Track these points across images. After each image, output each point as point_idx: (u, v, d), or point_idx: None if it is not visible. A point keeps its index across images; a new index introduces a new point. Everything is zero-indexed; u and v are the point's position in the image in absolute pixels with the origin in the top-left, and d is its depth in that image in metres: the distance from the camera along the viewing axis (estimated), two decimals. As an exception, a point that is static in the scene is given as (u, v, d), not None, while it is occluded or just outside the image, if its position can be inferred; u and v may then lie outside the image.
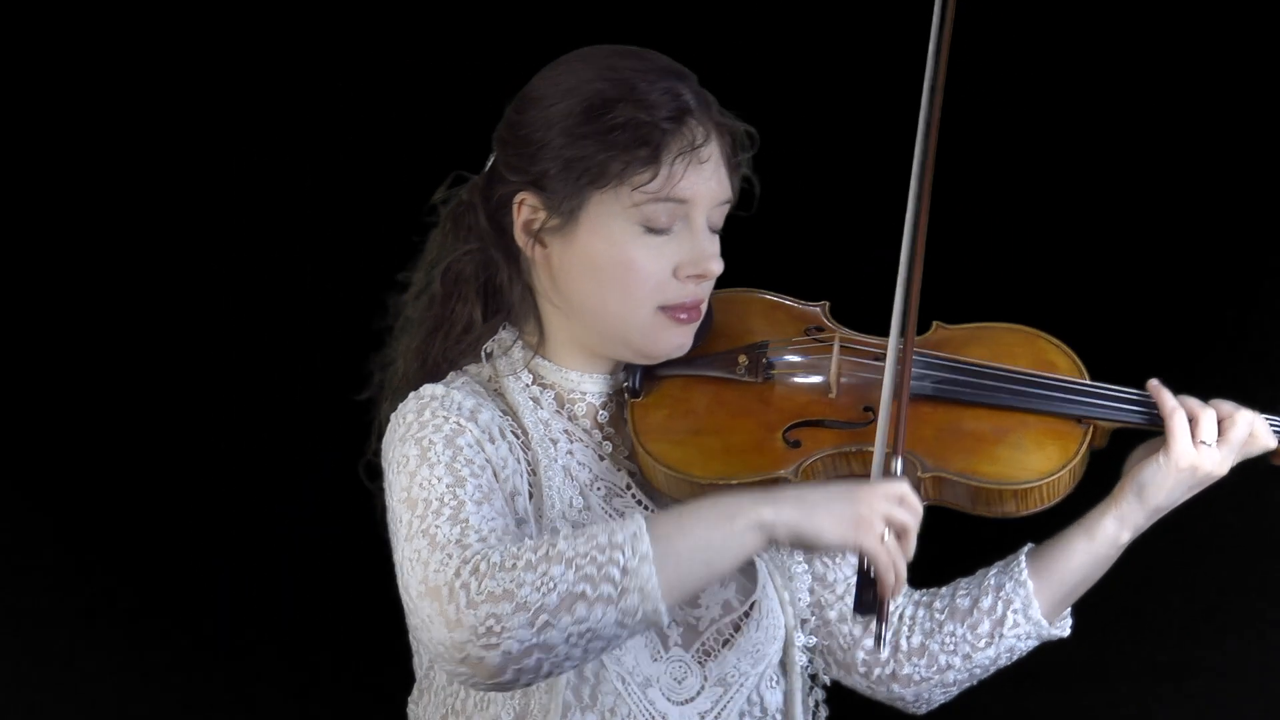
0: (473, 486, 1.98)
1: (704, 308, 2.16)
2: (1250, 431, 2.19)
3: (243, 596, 3.37)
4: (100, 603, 3.37)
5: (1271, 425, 2.21)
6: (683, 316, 2.13)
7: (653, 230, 2.10)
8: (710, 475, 2.13)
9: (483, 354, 2.18)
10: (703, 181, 2.10)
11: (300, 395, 3.29)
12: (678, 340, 2.15)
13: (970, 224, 3.34)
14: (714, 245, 2.13)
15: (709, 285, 2.15)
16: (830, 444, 2.15)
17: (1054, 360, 2.25)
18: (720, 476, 2.13)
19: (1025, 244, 3.41)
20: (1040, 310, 3.24)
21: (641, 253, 2.10)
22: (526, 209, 2.13)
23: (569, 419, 2.18)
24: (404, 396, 2.11)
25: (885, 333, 2.14)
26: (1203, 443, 2.17)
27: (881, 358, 2.15)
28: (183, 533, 3.38)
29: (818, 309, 2.29)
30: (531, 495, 2.08)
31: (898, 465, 2.06)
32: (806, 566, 2.27)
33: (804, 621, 2.24)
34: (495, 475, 2.03)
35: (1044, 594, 2.25)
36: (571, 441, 2.17)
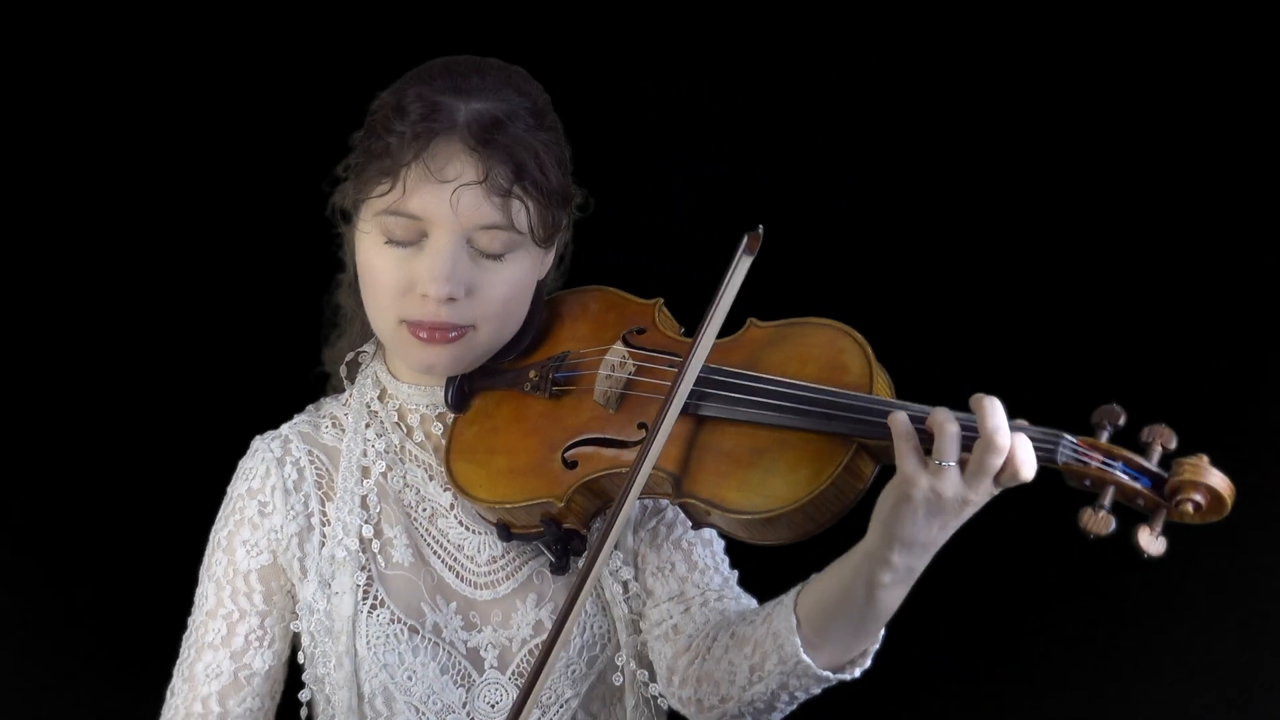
0: (220, 619, 2.17)
1: (456, 333, 2.11)
2: (1000, 448, 1.83)
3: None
4: (73, 597, 3.35)
5: (1041, 444, 1.86)
6: (422, 335, 2.11)
7: (393, 242, 2.10)
8: (491, 498, 2.12)
9: (342, 370, 2.26)
10: (441, 202, 2.07)
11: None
12: (425, 359, 2.13)
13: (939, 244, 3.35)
14: (449, 268, 2.08)
15: (461, 309, 2.10)
16: (606, 464, 2.07)
17: (847, 363, 2.01)
18: (499, 500, 2.11)
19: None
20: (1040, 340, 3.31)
21: (379, 262, 2.11)
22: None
23: (406, 433, 2.22)
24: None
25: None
26: (938, 463, 1.85)
27: (674, 368, 2.07)
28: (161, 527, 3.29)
29: (652, 305, 2.20)
30: (324, 541, 2.17)
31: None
32: (637, 587, 2.20)
33: (639, 639, 2.18)
34: (266, 569, 2.17)
35: (809, 630, 1.98)
36: (404, 462, 2.21)
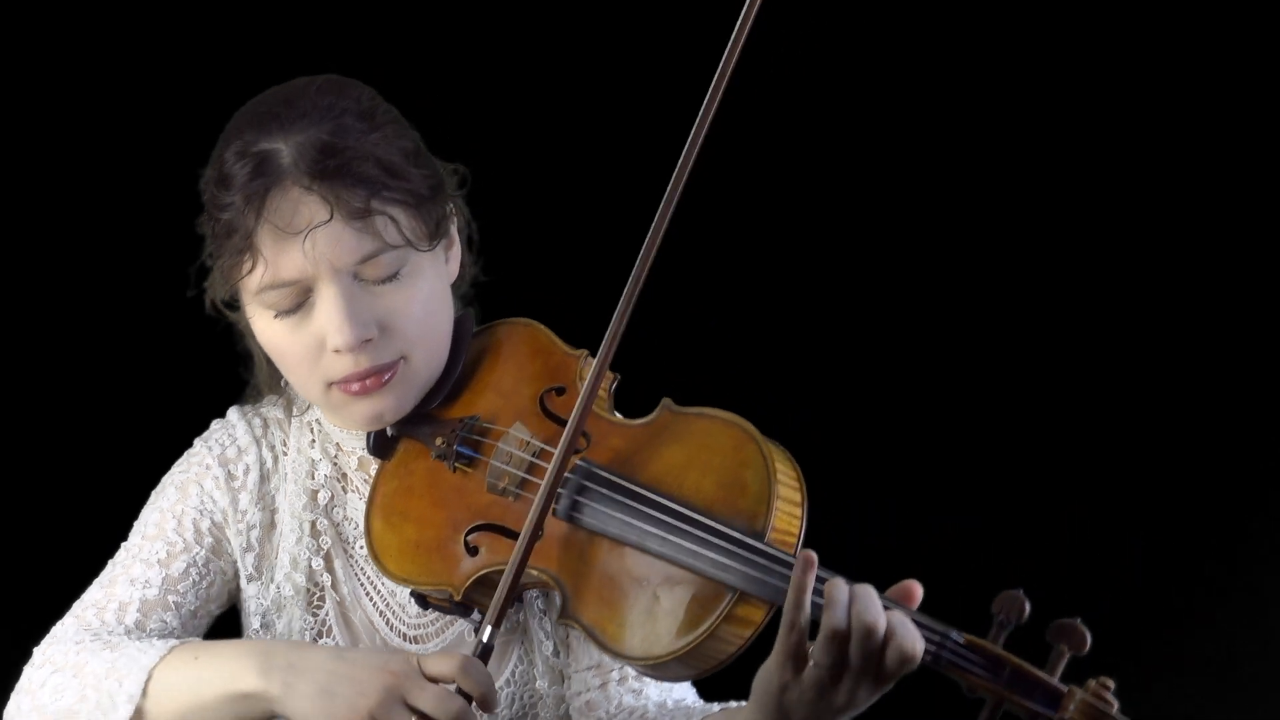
0: (161, 543, 2.02)
1: (389, 373, 1.96)
2: (881, 649, 1.65)
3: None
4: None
5: (930, 636, 1.65)
6: (354, 389, 1.96)
7: (282, 314, 1.95)
8: (399, 574, 1.97)
9: (284, 381, 2.10)
10: (304, 254, 1.90)
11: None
12: (368, 411, 1.98)
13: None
14: (347, 312, 1.92)
15: (380, 348, 1.95)
16: (503, 557, 1.87)
17: (746, 480, 1.78)
18: (405, 578, 1.97)
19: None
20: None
21: (281, 337, 1.97)
22: None
23: (342, 473, 2.09)
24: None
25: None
26: (814, 662, 1.66)
27: (577, 450, 1.88)
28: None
29: (577, 358, 2.00)
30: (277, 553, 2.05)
31: (485, 634, 1.80)
32: (559, 661, 2.07)
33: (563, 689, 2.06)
34: (219, 525, 2.04)
35: None
36: (346, 493, 2.08)
